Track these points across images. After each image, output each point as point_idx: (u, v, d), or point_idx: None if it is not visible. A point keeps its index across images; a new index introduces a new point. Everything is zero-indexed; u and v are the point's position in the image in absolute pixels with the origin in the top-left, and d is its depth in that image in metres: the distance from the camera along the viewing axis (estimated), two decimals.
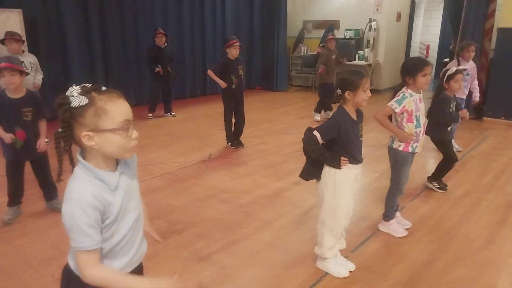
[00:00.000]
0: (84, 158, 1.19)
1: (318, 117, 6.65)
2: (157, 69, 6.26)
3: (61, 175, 1.24)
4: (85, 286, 1.23)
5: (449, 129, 3.65)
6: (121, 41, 7.02)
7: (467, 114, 3.72)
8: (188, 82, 8.30)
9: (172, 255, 2.70)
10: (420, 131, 2.81)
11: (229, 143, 5.10)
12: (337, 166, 2.25)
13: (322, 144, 2.26)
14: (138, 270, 1.38)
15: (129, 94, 7.23)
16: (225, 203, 3.51)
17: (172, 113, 6.84)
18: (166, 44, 6.36)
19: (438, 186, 3.81)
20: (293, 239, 2.92)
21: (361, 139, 2.34)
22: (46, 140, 3.08)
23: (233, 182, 4.00)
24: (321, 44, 8.72)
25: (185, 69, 8.14)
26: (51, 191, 3.27)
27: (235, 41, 4.77)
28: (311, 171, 2.36)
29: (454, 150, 4.80)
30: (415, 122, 2.78)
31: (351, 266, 2.52)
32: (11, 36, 4.59)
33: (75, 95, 1.13)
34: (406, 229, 3.03)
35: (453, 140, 4.93)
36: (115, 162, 1.24)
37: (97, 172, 1.17)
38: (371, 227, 3.09)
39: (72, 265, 1.27)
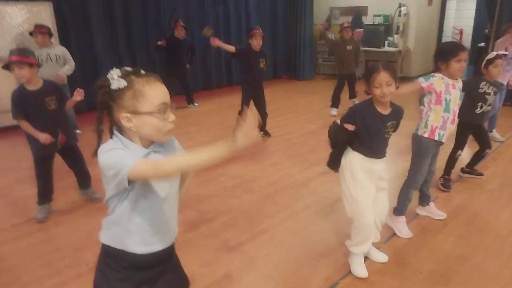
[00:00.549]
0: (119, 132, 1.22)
1: (334, 111, 6.10)
2: (160, 42, 6.15)
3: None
4: (120, 260, 1.28)
5: (477, 111, 3.38)
6: (144, 34, 7.08)
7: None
8: (213, 73, 8.29)
9: (203, 244, 2.72)
10: (448, 118, 2.65)
11: (262, 132, 4.95)
12: (343, 133, 2.19)
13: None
14: (170, 252, 1.38)
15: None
16: (251, 193, 3.51)
17: (195, 104, 6.86)
18: (185, 36, 6.37)
19: (442, 183, 3.54)
20: (320, 230, 2.88)
21: (386, 136, 2.24)
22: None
23: (259, 172, 3.98)
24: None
25: (209, 60, 8.13)
26: (85, 179, 3.32)
27: (256, 31, 4.68)
28: (337, 158, 2.31)
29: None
30: (443, 105, 2.62)
31: (384, 258, 2.47)
32: (38, 29, 4.69)
33: (115, 78, 1.15)
34: (441, 220, 2.94)
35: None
36: (150, 144, 1.25)
37: (127, 143, 1.19)
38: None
39: (104, 239, 1.30)
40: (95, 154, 1.19)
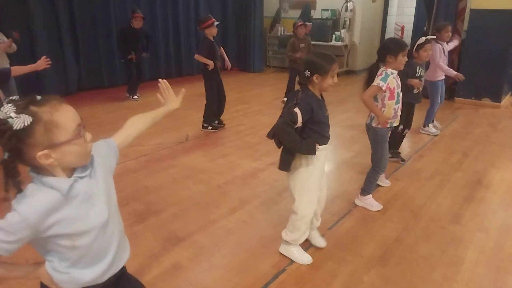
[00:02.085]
0: (38, 174, 1.10)
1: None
2: (130, 56, 6.14)
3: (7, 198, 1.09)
4: None
5: (415, 91, 3.81)
6: (90, 18, 6.75)
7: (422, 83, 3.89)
8: (162, 64, 8.12)
9: (151, 236, 2.70)
10: (398, 107, 2.99)
11: (210, 127, 4.97)
12: (313, 152, 2.16)
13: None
14: (118, 276, 1.31)
15: (101, 74, 7.05)
16: (201, 184, 3.51)
17: (136, 96, 6.51)
18: (142, 26, 6.23)
19: (390, 156, 3.86)
20: (269, 219, 2.96)
21: (327, 114, 2.30)
22: None
23: (210, 163, 3.99)
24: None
25: (158, 51, 7.95)
26: None
27: (213, 19, 4.69)
28: (288, 160, 2.26)
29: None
30: (395, 99, 2.94)
31: (323, 243, 2.59)
32: None
33: (13, 116, 0.98)
34: (383, 209, 3.13)
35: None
36: (73, 171, 1.14)
37: (47, 180, 1.08)
38: (347, 205, 3.17)
39: (58, 279, 1.21)
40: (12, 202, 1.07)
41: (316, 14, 9.19)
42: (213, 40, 4.75)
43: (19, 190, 1.06)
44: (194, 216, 2.97)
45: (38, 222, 1.06)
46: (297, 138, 2.15)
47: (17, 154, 1.02)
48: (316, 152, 2.18)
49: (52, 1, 6.22)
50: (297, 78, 6.11)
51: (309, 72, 2.15)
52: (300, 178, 2.30)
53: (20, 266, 1.20)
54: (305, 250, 2.53)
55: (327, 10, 8.90)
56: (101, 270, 1.22)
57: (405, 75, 3.63)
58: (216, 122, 5.13)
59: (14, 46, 4.62)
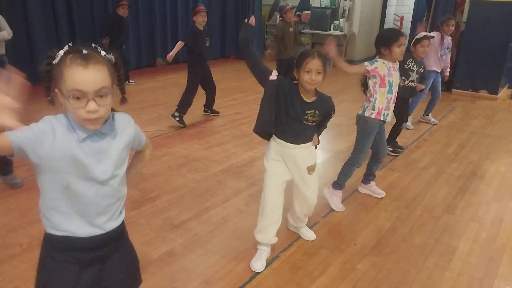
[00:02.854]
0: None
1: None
2: (104, 40, 5.94)
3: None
4: (67, 245, 1.24)
5: (400, 84, 3.65)
6: (87, 3, 6.68)
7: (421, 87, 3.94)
8: (159, 50, 8.04)
9: (145, 223, 2.70)
10: (391, 98, 2.84)
11: (177, 118, 4.68)
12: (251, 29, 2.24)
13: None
14: (119, 231, 1.33)
15: None
16: (197, 172, 3.51)
17: (131, 81, 6.60)
18: (127, 14, 6.16)
19: (392, 150, 3.96)
20: None
21: (305, 123, 2.15)
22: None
23: (205, 151, 3.98)
24: (297, 13, 8.61)
25: (155, 37, 7.87)
26: (5, 165, 3.06)
27: (201, 7, 4.62)
28: (267, 121, 2.22)
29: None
30: (387, 87, 2.80)
31: (312, 236, 2.57)
32: None
33: (60, 53, 1.14)
34: (378, 198, 3.13)
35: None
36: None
37: (73, 123, 1.17)
38: (342, 194, 3.16)
39: (44, 224, 1.26)
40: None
41: (315, 2, 9.11)
42: (202, 29, 4.67)
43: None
44: (189, 204, 2.97)
45: (57, 144, 1.13)
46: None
47: (48, 78, 1.17)
48: (274, 145, 2.24)
49: None
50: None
51: (296, 69, 2.12)
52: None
53: None
54: (296, 240, 2.56)
55: None
56: (80, 222, 1.24)
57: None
58: (209, 111, 5.10)
59: (6, 34, 4.54)
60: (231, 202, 3.02)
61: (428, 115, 5.09)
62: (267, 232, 2.32)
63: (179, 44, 4.65)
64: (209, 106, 5.12)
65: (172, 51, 4.64)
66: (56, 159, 1.14)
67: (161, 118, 4.90)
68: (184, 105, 4.69)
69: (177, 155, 3.86)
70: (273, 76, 2.13)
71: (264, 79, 2.17)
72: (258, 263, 2.29)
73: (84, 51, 1.13)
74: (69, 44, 1.16)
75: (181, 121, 4.67)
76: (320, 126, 2.31)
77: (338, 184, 3.00)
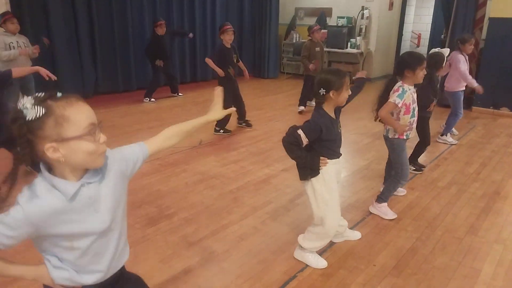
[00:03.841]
0: (47, 171, 1.11)
1: (302, 108, 6.24)
2: (158, 62, 6.46)
3: (5, 200, 1.08)
4: None
5: (432, 108, 3.81)
6: (108, 24, 6.88)
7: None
8: (177, 69, 8.19)
9: (162, 240, 2.69)
10: (414, 120, 2.97)
11: (221, 130, 5.04)
12: (317, 166, 2.25)
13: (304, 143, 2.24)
14: (116, 277, 1.31)
15: (117, 79, 7.15)
16: (213, 189, 3.51)
17: (180, 94, 7.15)
18: (166, 32, 6.50)
19: (414, 168, 3.95)
20: (280, 226, 2.93)
21: (340, 135, 2.36)
22: None
23: (222, 168, 3.99)
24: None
25: (174, 56, 8.04)
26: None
27: (228, 26, 4.77)
28: (304, 171, 2.33)
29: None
30: (411, 113, 2.93)
31: (358, 235, 2.76)
32: (10, 15, 4.59)
33: (28, 107, 1.02)
34: (397, 218, 3.08)
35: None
36: (83, 174, 1.14)
37: (53, 180, 1.09)
38: (360, 214, 3.12)
39: (56, 276, 1.21)
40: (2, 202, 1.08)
41: (331, 21, 9.18)
42: (229, 47, 4.81)
43: (12, 182, 1.07)
44: (205, 221, 2.96)
45: (40, 222, 1.08)
46: (301, 154, 2.24)
47: (27, 145, 1.04)
48: (325, 166, 2.28)
49: (72, 8, 6.35)
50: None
51: (325, 90, 2.19)
52: (316, 190, 2.32)
53: (18, 265, 1.20)
54: (329, 247, 2.56)
55: (342, 17, 8.88)
56: (98, 276, 1.23)
57: (428, 91, 3.66)
58: (243, 124, 5.33)
59: (35, 51, 4.78)
60: (248, 220, 3.00)
61: (446, 135, 4.97)
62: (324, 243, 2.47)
63: (210, 61, 4.86)
64: (242, 118, 5.34)
65: (214, 68, 4.86)
66: (46, 230, 1.10)
67: None
68: (224, 121, 5.00)
69: (194, 172, 3.87)
70: (305, 141, 2.22)
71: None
72: (320, 261, 2.45)
73: (59, 94, 1.08)
74: (24, 98, 1.04)
75: (225, 131, 5.06)
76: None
77: (382, 199, 3.09)
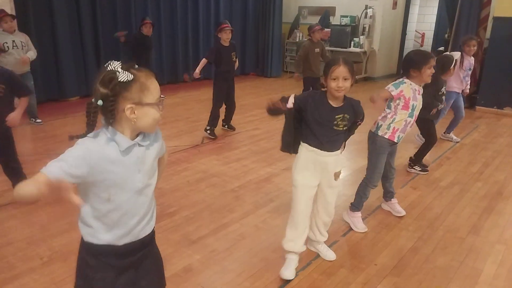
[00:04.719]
0: (109, 125, 1.25)
1: None
2: (119, 34, 6.26)
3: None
4: (102, 252, 1.32)
5: (435, 111, 3.73)
6: (112, 25, 6.89)
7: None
8: (180, 67, 8.20)
9: (163, 238, 2.70)
10: (410, 122, 2.78)
11: (208, 131, 4.84)
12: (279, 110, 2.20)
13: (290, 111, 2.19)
14: (150, 238, 1.44)
15: None
16: (215, 187, 3.51)
17: (162, 96, 6.80)
18: (151, 33, 6.40)
19: (420, 169, 3.93)
20: (282, 224, 2.91)
21: (336, 128, 2.18)
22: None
23: (224, 166, 3.99)
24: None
25: (177, 54, 8.04)
26: (14, 177, 2.98)
27: (225, 25, 4.72)
28: (288, 142, 2.31)
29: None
30: (409, 110, 2.74)
31: (332, 256, 2.51)
32: (6, 14, 4.55)
33: (120, 71, 1.20)
34: (399, 217, 3.05)
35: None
36: (136, 135, 1.30)
37: (115, 133, 1.25)
38: (362, 213, 3.10)
39: (83, 232, 1.33)
40: (72, 138, 1.23)
41: (335, 20, 9.16)
42: (227, 45, 4.75)
43: (90, 129, 1.24)
44: (206, 220, 2.96)
45: (96, 163, 1.21)
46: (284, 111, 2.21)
47: (115, 101, 1.20)
48: (306, 151, 2.25)
49: (76, 9, 6.36)
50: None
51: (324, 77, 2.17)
52: (292, 169, 2.34)
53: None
54: (314, 258, 2.51)
55: (346, 16, 8.86)
56: (121, 232, 1.33)
57: (432, 93, 3.56)
58: (226, 126, 5.17)
59: (32, 54, 4.74)
60: (249, 218, 3.00)
61: (449, 133, 4.98)
62: (298, 240, 2.34)
63: (203, 61, 4.77)
64: (227, 121, 5.19)
65: (197, 68, 4.77)
66: (95, 175, 1.22)
67: (181, 133, 4.96)
68: (212, 119, 4.91)
69: (196, 170, 3.88)
70: (290, 104, 2.18)
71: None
72: (288, 271, 2.31)
73: (136, 66, 1.26)
74: (113, 62, 1.22)
75: (211, 133, 4.88)
76: (348, 131, 2.33)
77: (354, 206, 2.93)
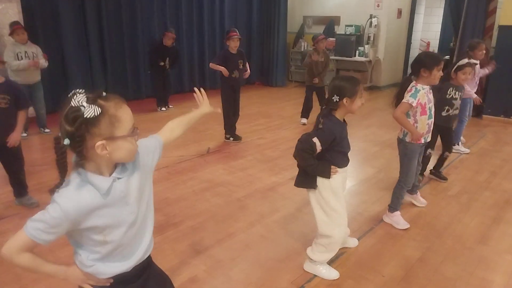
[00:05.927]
0: (81, 166, 1.16)
1: (304, 120, 6.07)
2: (162, 63, 6.44)
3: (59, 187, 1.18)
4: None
5: (443, 113, 3.61)
6: (118, 33, 6.96)
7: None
8: (186, 76, 8.26)
9: (169, 248, 2.69)
10: (431, 122, 2.90)
11: (230, 138, 5.06)
12: (328, 175, 2.22)
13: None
14: (144, 266, 1.39)
15: (127, 87, 7.21)
16: (220, 196, 3.50)
17: (170, 106, 6.92)
18: (173, 44, 6.53)
19: (438, 177, 3.97)
20: (287, 234, 2.91)
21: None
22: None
23: (229, 176, 3.99)
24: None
25: (183, 64, 8.10)
26: (21, 188, 3.20)
27: (234, 33, 4.78)
28: (304, 180, 2.31)
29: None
30: (428, 114, 2.84)
31: (356, 242, 2.74)
32: (19, 26, 4.72)
33: (85, 105, 1.08)
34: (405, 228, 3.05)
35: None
36: (114, 167, 1.22)
37: (90, 177, 1.16)
38: (368, 223, 3.09)
39: (77, 261, 1.29)
40: (52, 192, 1.16)
41: (339, 29, 9.19)
42: (234, 53, 4.81)
43: (62, 173, 1.16)
44: (212, 229, 2.95)
45: (77, 218, 1.15)
46: (313, 162, 2.21)
47: (82, 141, 1.10)
48: (337, 175, 2.26)
49: (83, 17, 6.45)
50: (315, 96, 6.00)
51: (338, 97, 2.16)
52: (324, 198, 2.29)
53: (52, 264, 1.26)
54: (337, 257, 2.53)
55: (351, 25, 8.88)
56: (130, 265, 1.30)
57: (437, 94, 3.44)
58: (231, 138, 5.16)
59: (44, 62, 4.86)
60: (255, 228, 2.98)
61: (458, 144, 4.89)
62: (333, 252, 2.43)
63: (213, 65, 4.83)
64: (230, 131, 5.20)
65: (218, 68, 4.81)
66: (82, 225, 1.17)
67: (187, 143, 4.97)
68: (229, 127, 5.06)
69: (201, 179, 3.87)
70: (318, 147, 2.17)
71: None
72: (332, 272, 2.43)
73: (104, 93, 1.15)
74: (75, 92, 1.12)
75: (235, 138, 5.06)
76: None
77: (392, 208, 3.07)
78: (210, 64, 4.91)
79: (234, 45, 4.78)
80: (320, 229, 2.35)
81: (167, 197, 3.46)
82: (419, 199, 3.41)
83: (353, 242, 2.75)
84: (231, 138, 5.07)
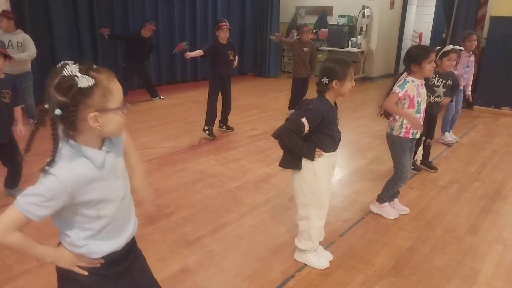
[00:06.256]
0: (71, 138, 1.14)
1: (293, 111, 6.02)
2: (105, 33, 6.22)
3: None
4: (93, 269, 1.27)
5: (430, 99, 3.65)
6: (109, 20, 6.87)
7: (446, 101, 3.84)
8: (178, 67, 8.19)
9: (160, 239, 2.69)
10: (420, 117, 2.85)
11: (206, 131, 4.84)
12: (312, 157, 2.20)
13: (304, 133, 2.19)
14: (131, 246, 1.37)
15: (118, 74, 7.10)
16: (212, 187, 3.50)
17: (161, 97, 6.85)
18: (151, 36, 6.42)
19: (429, 167, 4.00)
20: (279, 224, 2.92)
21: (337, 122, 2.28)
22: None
23: (221, 167, 3.98)
24: (314, 31, 8.66)
25: (175, 55, 8.00)
26: (14, 180, 3.19)
27: (223, 23, 4.71)
28: (290, 160, 2.30)
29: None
30: (416, 107, 2.81)
31: (330, 256, 2.51)
32: (5, 13, 4.57)
33: (78, 75, 1.06)
34: (403, 215, 3.08)
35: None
36: (102, 142, 1.22)
37: (84, 150, 1.14)
38: (359, 213, 3.11)
39: (65, 244, 1.25)
40: (44, 170, 1.10)
41: (332, 20, 9.16)
42: (224, 43, 4.74)
43: (56, 146, 1.10)
44: (204, 220, 2.95)
45: (74, 190, 1.12)
46: (300, 142, 2.19)
47: (76, 111, 1.08)
48: (321, 159, 2.22)
49: (74, 8, 6.34)
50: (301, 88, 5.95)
51: (328, 79, 2.13)
52: (305, 180, 2.27)
53: (41, 245, 1.21)
54: (328, 247, 2.54)
55: (343, 16, 8.86)
56: (121, 242, 1.30)
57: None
58: (224, 127, 5.15)
59: (25, 56, 4.73)
60: (246, 219, 2.99)
61: (443, 134, 4.90)
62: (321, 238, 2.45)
63: (199, 52, 4.72)
64: (223, 121, 5.18)
65: (193, 52, 4.73)
66: (78, 198, 1.15)
67: (179, 134, 4.94)
68: (209, 117, 4.88)
69: (193, 170, 3.86)
70: (306, 127, 2.15)
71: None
72: (323, 260, 2.43)
73: (94, 66, 1.14)
74: (66, 63, 1.10)
75: (210, 134, 4.85)
76: None
77: (382, 199, 3.05)
78: (199, 50, 4.75)
79: (223, 35, 4.70)
80: (299, 211, 2.36)
81: (157, 188, 3.45)
82: (401, 207, 3.15)
83: (327, 256, 2.51)
84: (207, 132, 4.84)
